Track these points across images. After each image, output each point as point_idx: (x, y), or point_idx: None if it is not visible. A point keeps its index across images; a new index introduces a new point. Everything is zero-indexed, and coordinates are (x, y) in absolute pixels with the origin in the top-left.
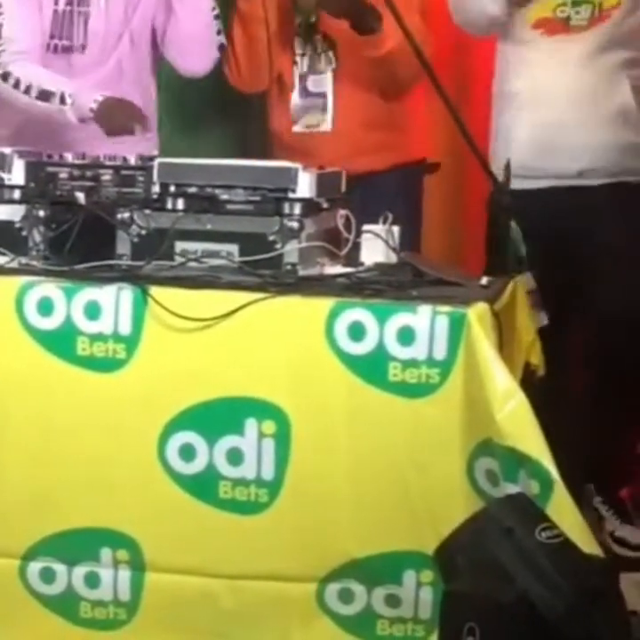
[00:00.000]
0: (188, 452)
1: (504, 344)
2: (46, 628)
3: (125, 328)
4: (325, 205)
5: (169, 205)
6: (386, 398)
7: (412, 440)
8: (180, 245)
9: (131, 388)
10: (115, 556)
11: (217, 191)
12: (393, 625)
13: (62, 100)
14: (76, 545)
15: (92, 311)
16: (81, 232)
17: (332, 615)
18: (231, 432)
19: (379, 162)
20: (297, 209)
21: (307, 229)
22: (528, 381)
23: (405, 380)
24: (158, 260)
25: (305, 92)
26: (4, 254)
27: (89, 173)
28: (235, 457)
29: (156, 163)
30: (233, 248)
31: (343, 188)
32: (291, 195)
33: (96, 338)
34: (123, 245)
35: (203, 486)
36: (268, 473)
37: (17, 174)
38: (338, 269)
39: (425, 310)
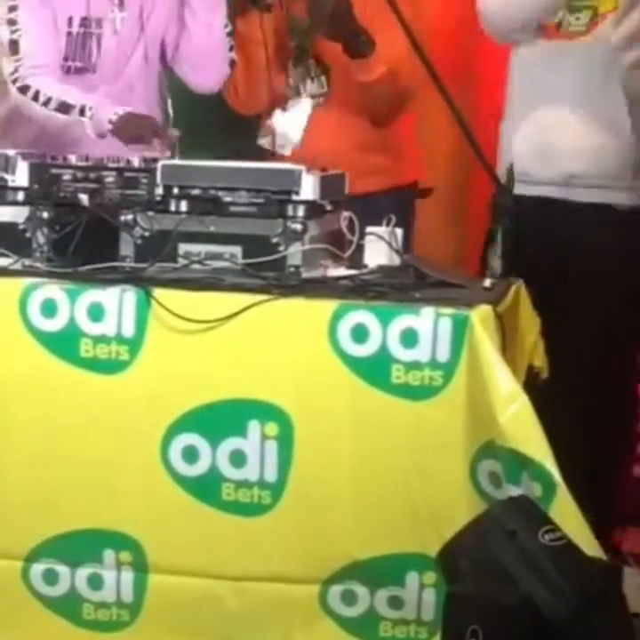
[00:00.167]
0: (190, 454)
1: (507, 346)
2: (49, 630)
3: (128, 330)
4: (329, 208)
5: (172, 207)
6: (389, 400)
7: (414, 442)
8: (183, 247)
9: (134, 389)
10: (118, 557)
11: (220, 193)
12: (396, 627)
13: (82, 113)
14: (79, 546)
15: (96, 313)
16: (84, 234)
17: (334, 617)
18: (234, 434)
19: (371, 185)
20: (300, 211)
21: (310, 231)
22: (531, 384)
23: (408, 382)
24: (161, 261)
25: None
26: (7, 256)
27: (92, 175)
28: (238, 459)
29: (159, 165)
30: (236, 250)
31: (347, 191)
32: (294, 197)
33: (99, 340)
34: (126, 247)
35: (206, 488)
36: (270, 475)
37: (21, 176)
38: (341, 271)
39: (428, 312)
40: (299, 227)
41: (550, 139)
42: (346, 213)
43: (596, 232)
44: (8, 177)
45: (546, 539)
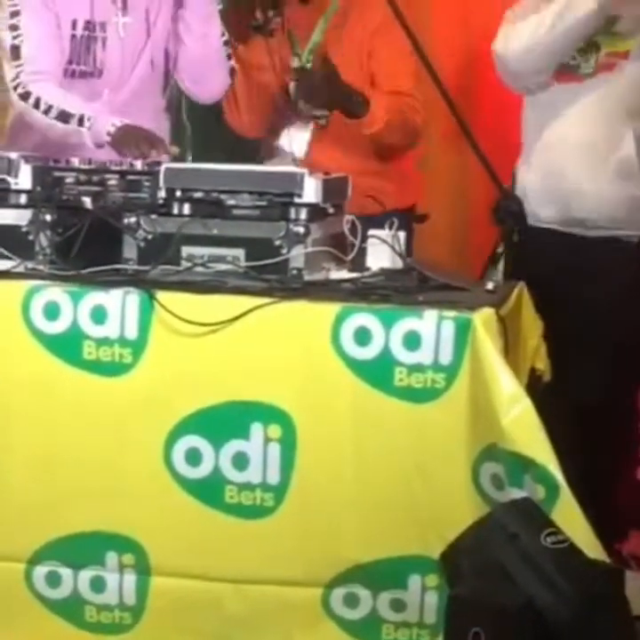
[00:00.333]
0: (193, 457)
1: (510, 349)
2: (52, 632)
3: (131, 332)
4: (331, 210)
5: (175, 210)
6: (391, 403)
7: (417, 445)
8: (186, 250)
9: (137, 392)
10: (120, 560)
11: (223, 196)
12: (398, 629)
13: (80, 122)
14: (82, 549)
15: (99, 315)
16: (87, 237)
17: (337, 620)
18: (237, 436)
19: (369, 207)
20: (303, 214)
21: (313, 234)
22: (534, 386)
23: (411, 384)
24: (164, 264)
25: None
26: (10, 259)
27: (95, 178)
28: (240, 461)
29: (162, 168)
30: (239, 253)
31: (349, 194)
32: (297, 200)
33: (102, 342)
34: (129, 250)
35: (208, 491)
36: (273, 477)
37: (24, 179)
38: (344, 274)
39: (431, 315)
40: (301, 229)
41: (562, 185)
42: (348, 216)
43: (609, 260)
44: (11, 180)
45: (548, 541)
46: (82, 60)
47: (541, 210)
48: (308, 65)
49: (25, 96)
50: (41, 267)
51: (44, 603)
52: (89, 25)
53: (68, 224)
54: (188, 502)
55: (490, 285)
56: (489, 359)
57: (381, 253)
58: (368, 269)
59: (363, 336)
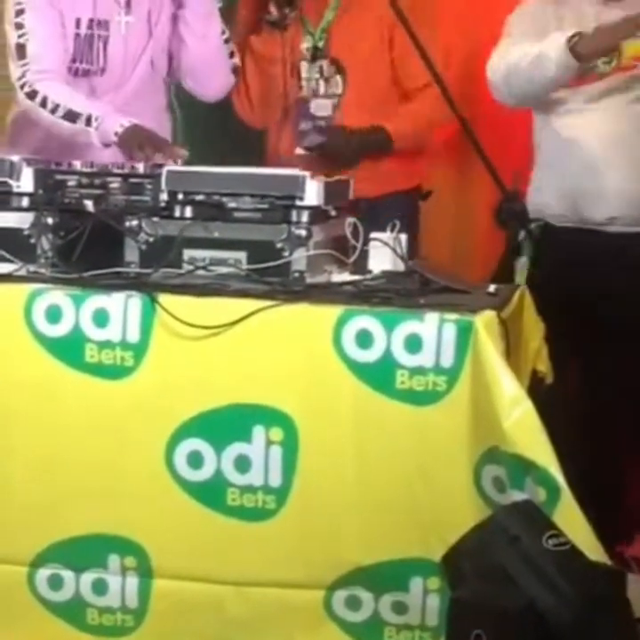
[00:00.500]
0: (195, 460)
1: (511, 351)
2: (54, 635)
3: (133, 335)
4: (333, 213)
5: (177, 213)
6: (393, 406)
7: (418, 447)
8: (187, 253)
9: (139, 395)
10: (122, 562)
11: (225, 199)
12: (400, 632)
13: (88, 122)
14: (84, 552)
15: (101, 318)
16: (89, 240)
17: (339, 622)
18: (239, 439)
19: (378, 188)
20: (305, 217)
21: (314, 237)
22: (535, 389)
23: (412, 387)
24: (166, 267)
25: (308, 116)
26: (12, 262)
27: (97, 181)
28: (242, 464)
29: (164, 170)
30: (241, 256)
31: (351, 196)
32: (298, 202)
33: (104, 345)
34: (131, 253)
35: (210, 493)
36: (275, 480)
37: (26, 182)
38: (345, 277)
39: (432, 318)
40: (303, 232)
41: (581, 183)
42: (350, 219)
43: (637, 253)
44: (13, 183)
45: (550, 544)
46: (85, 59)
47: (562, 210)
48: (321, 43)
49: (31, 94)
50: (43, 270)
51: (47, 605)
52: (92, 23)
53: (70, 227)
54: (189, 505)
55: (491, 288)
56: (490, 362)
57: (383, 256)
58: (370, 272)
59: (364, 339)
